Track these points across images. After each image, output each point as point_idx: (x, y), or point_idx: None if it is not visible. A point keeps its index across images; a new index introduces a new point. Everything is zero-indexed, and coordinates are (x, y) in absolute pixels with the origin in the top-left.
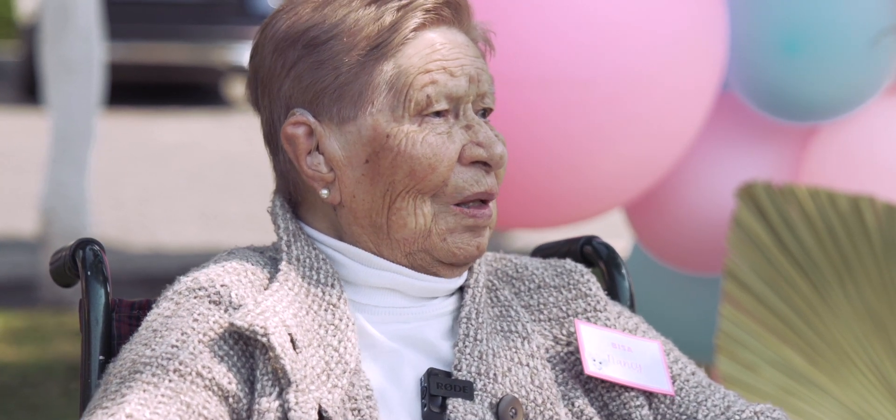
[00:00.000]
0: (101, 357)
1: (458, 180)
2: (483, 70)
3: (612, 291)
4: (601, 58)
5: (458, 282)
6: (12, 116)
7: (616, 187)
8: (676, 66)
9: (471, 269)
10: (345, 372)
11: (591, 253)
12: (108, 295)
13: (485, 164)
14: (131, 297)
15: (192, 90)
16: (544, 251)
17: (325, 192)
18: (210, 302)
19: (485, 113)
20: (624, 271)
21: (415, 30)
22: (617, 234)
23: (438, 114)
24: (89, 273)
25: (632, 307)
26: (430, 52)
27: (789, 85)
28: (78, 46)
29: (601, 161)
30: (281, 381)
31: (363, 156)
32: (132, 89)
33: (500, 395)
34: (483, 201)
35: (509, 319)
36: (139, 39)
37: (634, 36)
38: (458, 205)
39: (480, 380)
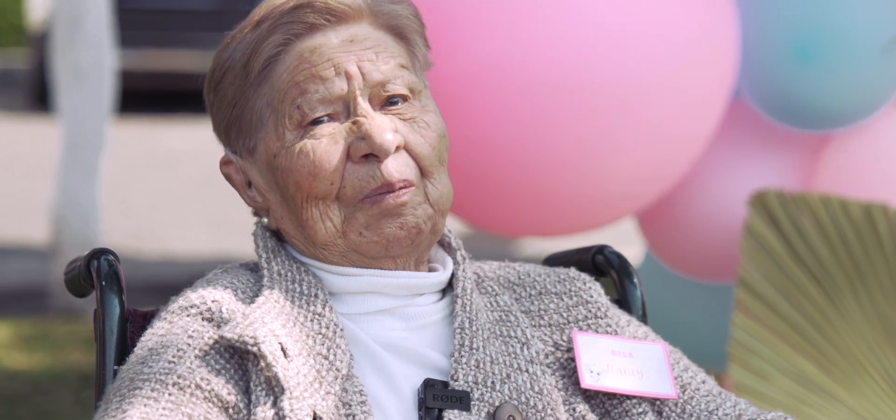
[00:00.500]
0: (115, 367)
1: (353, 180)
2: (373, 61)
3: (624, 301)
4: (612, 64)
5: (439, 277)
6: (23, 124)
7: (628, 195)
8: (688, 72)
9: (455, 277)
10: (336, 378)
11: (602, 262)
12: (123, 305)
13: (376, 156)
14: (142, 304)
15: (201, 97)
16: (555, 260)
17: (264, 219)
18: (203, 319)
19: (401, 100)
20: (636, 280)
21: (281, 45)
22: (629, 242)
23: (320, 121)
24: (104, 283)
25: (643, 315)
26: (298, 64)
27: (801, 93)
28: (89, 54)
29: (612, 168)
30: (274, 390)
31: (272, 179)
32: (142, 96)
33: (497, 404)
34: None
35: (508, 324)
36: (149, 47)
37: (646, 42)
38: (363, 200)
39: (478, 389)
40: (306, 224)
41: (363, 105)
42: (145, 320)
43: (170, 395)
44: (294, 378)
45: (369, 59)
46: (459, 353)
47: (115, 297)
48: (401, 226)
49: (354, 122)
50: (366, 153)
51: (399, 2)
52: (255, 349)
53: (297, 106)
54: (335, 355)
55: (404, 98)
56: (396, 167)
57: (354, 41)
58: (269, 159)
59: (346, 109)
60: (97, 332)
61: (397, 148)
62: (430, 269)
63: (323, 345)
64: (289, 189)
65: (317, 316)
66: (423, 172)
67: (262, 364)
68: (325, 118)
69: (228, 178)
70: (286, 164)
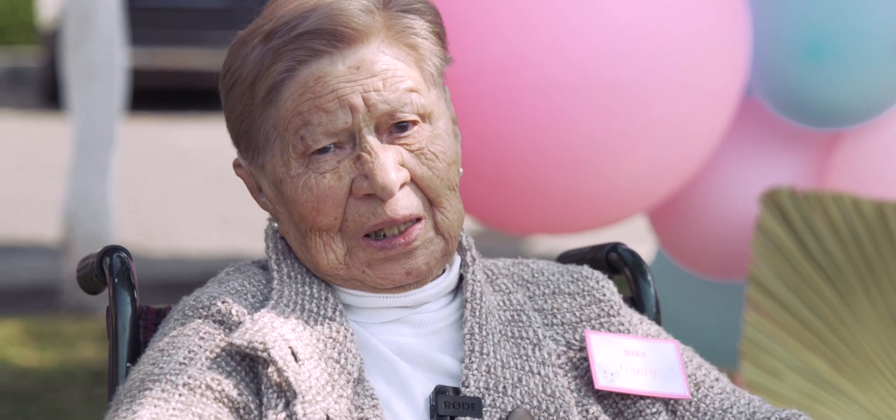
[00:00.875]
0: (128, 364)
1: (355, 215)
2: (379, 90)
3: (638, 298)
4: (623, 62)
5: (445, 281)
6: (34, 122)
7: (639, 192)
8: (699, 70)
9: (464, 280)
10: (348, 382)
11: (616, 259)
12: (136, 302)
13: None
14: (152, 302)
15: (212, 95)
16: (569, 258)
17: (275, 224)
18: (214, 321)
19: (411, 124)
20: (649, 278)
21: (286, 72)
22: (640, 240)
23: (326, 150)
24: (116, 280)
25: (657, 312)
26: (302, 92)
27: (813, 91)
28: (100, 52)
29: (624, 166)
30: (286, 394)
31: (280, 197)
32: (153, 94)
33: (509, 409)
34: (414, 221)
35: (520, 325)
36: (160, 45)
37: (656, 40)
38: (367, 236)
39: (489, 395)
40: (310, 250)
41: (368, 139)
42: (158, 317)
43: (180, 395)
44: (306, 382)
45: (375, 89)
46: (470, 358)
47: (128, 294)
48: (408, 272)
49: (358, 158)
50: (369, 192)
51: (415, 13)
52: (264, 354)
53: (301, 137)
54: (346, 359)
55: (413, 123)
56: (401, 204)
57: (361, 68)
58: (276, 182)
59: (351, 140)
60: (110, 329)
61: (402, 185)
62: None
63: (334, 349)
64: (293, 216)
65: (327, 320)
66: (433, 202)
67: (272, 369)
68: (331, 147)
69: (242, 178)
70: (291, 195)
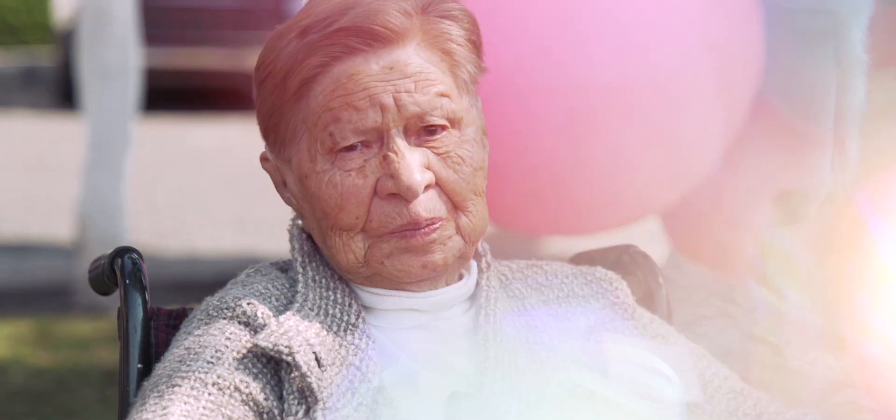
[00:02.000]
0: (139, 365)
1: (379, 214)
2: (411, 91)
3: (650, 300)
4: (636, 63)
5: (464, 287)
6: (49, 122)
7: (652, 194)
8: (713, 72)
9: (479, 286)
10: (368, 390)
11: (628, 261)
12: (147, 303)
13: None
14: (167, 302)
15: (227, 95)
16: (582, 259)
17: (299, 221)
18: (239, 323)
19: (440, 129)
20: (660, 280)
21: (320, 67)
22: (653, 242)
23: (353, 148)
24: (128, 282)
25: (668, 315)
26: (334, 88)
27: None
28: (114, 52)
29: (637, 168)
30: (307, 400)
31: (304, 192)
32: (168, 94)
33: (524, 415)
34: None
35: (535, 330)
36: (175, 45)
37: (669, 40)
38: (390, 234)
39: (505, 400)
40: (330, 249)
41: (396, 141)
42: (169, 318)
43: (210, 394)
44: (327, 388)
45: (407, 90)
46: (484, 364)
47: (139, 296)
48: (424, 265)
49: (385, 158)
50: (393, 192)
51: (452, 19)
52: (289, 359)
53: (330, 133)
54: (367, 367)
55: (442, 128)
56: (425, 206)
57: (394, 69)
58: (301, 177)
59: (379, 139)
60: (121, 330)
61: (427, 187)
62: (459, 276)
63: (355, 355)
64: (316, 213)
65: (350, 326)
66: (456, 206)
67: (296, 374)
68: (358, 145)
69: (267, 171)
70: (315, 191)
